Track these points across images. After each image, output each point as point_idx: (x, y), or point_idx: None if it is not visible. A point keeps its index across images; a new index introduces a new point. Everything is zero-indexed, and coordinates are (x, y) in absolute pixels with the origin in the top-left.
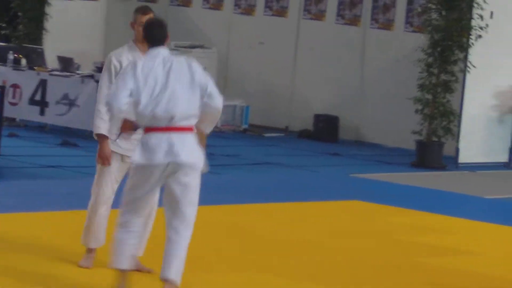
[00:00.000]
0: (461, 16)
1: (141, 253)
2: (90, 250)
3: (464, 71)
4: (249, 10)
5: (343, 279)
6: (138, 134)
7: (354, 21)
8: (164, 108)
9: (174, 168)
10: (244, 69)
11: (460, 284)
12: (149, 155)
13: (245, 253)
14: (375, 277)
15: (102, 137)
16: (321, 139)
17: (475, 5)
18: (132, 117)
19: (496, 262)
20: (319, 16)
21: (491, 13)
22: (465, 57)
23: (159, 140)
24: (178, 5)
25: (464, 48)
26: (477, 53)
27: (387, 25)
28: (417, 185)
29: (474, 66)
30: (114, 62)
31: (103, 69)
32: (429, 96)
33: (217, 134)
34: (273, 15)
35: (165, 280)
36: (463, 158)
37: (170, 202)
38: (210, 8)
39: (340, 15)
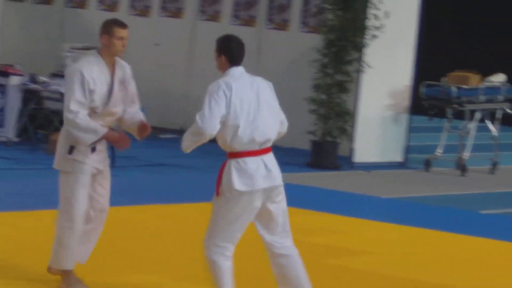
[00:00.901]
0: (356, 16)
1: None
2: (68, 273)
3: (359, 71)
4: (144, 12)
5: (244, 281)
6: (102, 145)
7: (249, 21)
8: (261, 132)
9: (271, 191)
10: (140, 71)
11: (356, 284)
12: (249, 180)
13: (146, 253)
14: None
15: (105, 135)
16: (215, 140)
17: (370, 5)
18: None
19: (392, 261)
20: (215, 17)
21: (386, 13)
22: (360, 57)
23: (256, 164)
24: (73, 7)
25: (359, 48)
26: (372, 53)
27: (283, 25)
28: (313, 185)
29: (369, 66)
30: (87, 78)
31: (71, 80)
32: (324, 97)
33: None
34: (168, 16)
35: None
36: (358, 158)
37: (270, 225)
38: (105, 9)
39: (235, 15)
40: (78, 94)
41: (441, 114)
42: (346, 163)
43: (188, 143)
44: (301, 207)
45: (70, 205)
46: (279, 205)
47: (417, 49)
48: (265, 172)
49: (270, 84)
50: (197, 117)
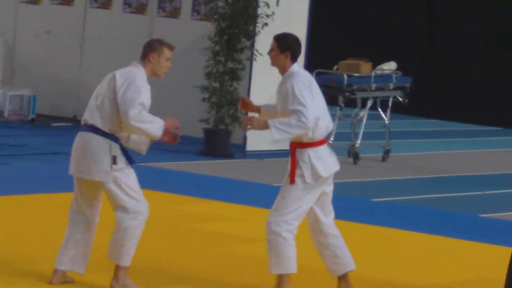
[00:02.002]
0: (247, 4)
1: None
2: None
3: (251, 59)
4: (35, 0)
5: (141, 269)
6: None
7: (140, 9)
8: (329, 120)
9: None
10: (31, 59)
11: (249, 270)
12: (327, 167)
13: (42, 244)
14: (172, 266)
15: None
16: None
17: None
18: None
19: None
20: (106, 5)
21: (277, 0)
22: (252, 45)
23: (326, 150)
24: None
25: (251, 36)
26: (263, 40)
27: (174, 13)
28: (206, 173)
29: (260, 54)
30: (147, 85)
31: (134, 83)
32: (216, 84)
33: (4, 124)
34: (59, 4)
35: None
36: (251, 146)
37: (325, 206)
38: None
39: (127, 3)
40: (143, 96)
41: (333, 102)
42: (238, 151)
43: (289, 136)
44: (194, 195)
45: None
46: (331, 187)
47: (308, 37)
48: (333, 158)
49: None
50: (300, 112)
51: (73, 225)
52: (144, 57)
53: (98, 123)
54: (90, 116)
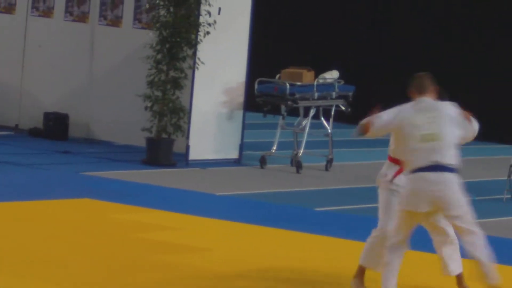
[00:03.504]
0: (189, 12)
1: None
2: None
3: (193, 68)
4: None
5: (79, 279)
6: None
7: (82, 18)
8: None
9: None
10: None
11: (190, 280)
12: None
13: None
14: (111, 276)
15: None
16: (51, 137)
17: (203, 1)
18: None
19: (226, 258)
20: (48, 13)
21: (219, 9)
22: (194, 54)
23: None
24: None
25: (193, 44)
26: (205, 49)
27: (116, 21)
28: (148, 182)
29: (202, 63)
30: None
31: None
32: (159, 93)
33: None
34: (0, 12)
35: None
36: (194, 155)
37: None
38: None
39: (68, 11)
40: None
41: (275, 111)
42: (181, 160)
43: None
44: (136, 205)
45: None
46: None
47: (251, 45)
48: None
49: None
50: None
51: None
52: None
53: None
54: None
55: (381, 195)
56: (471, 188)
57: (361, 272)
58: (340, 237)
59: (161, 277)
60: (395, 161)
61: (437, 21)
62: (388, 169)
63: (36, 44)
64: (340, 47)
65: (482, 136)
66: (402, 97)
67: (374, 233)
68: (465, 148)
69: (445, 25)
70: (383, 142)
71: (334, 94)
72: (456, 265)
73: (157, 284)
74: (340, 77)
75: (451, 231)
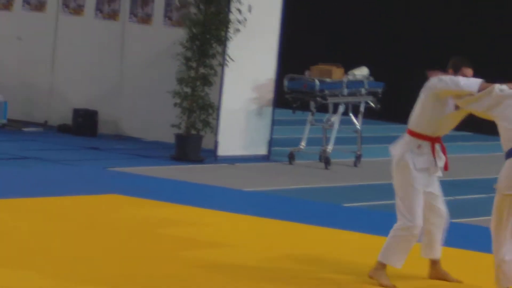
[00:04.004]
0: (219, 10)
1: None
2: None
3: (222, 65)
4: (7, 6)
5: (105, 274)
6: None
7: (112, 15)
8: None
9: None
10: (3, 64)
11: (220, 275)
12: None
13: (11, 251)
14: (139, 270)
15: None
16: (80, 134)
17: None
18: None
19: (255, 254)
20: (78, 11)
21: (249, 7)
22: (224, 51)
23: None
24: None
25: (223, 41)
26: (235, 46)
27: (146, 19)
28: (177, 178)
29: (232, 60)
30: None
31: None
32: (188, 90)
33: None
34: (31, 10)
35: None
36: (222, 151)
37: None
38: None
39: (99, 9)
40: None
41: (304, 107)
42: (210, 156)
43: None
44: (166, 200)
45: None
46: None
47: (280, 42)
48: None
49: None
50: None
51: None
52: None
53: None
54: None
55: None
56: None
57: (381, 267)
58: (368, 233)
59: (187, 272)
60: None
61: (465, 15)
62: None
63: (66, 41)
64: (370, 44)
65: None
66: None
67: (403, 231)
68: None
69: (472, 17)
70: None
71: (363, 91)
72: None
73: (184, 279)
74: (370, 74)
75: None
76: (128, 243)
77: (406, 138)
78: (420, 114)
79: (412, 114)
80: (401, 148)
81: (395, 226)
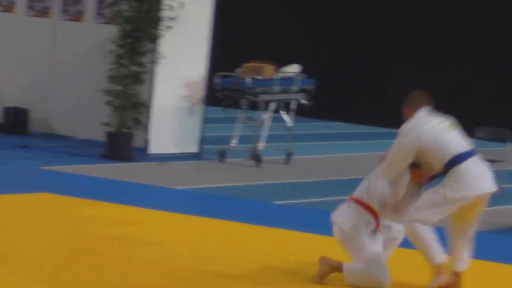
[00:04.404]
0: (152, 7)
1: None
2: None
3: (154, 62)
4: None
5: (35, 273)
6: None
7: (44, 12)
8: None
9: None
10: None
11: (149, 274)
12: None
13: None
14: (70, 269)
15: None
16: (11, 132)
17: None
18: None
19: (185, 252)
20: (9, 8)
21: (181, 4)
22: (155, 48)
23: None
24: None
25: (154, 39)
26: (167, 44)
27: (78, 16)
28: (108, 176)
29: (164, 57)
30: None
31: None
32: (119, 88)
33: None
34: None
35: None
36: (154, 149)
37: None
38: None
39: (30, 6)
40: None
41: (235, 105)
42: (141, 154)
43: None
44: (96, 199)
45: None
46: None
47: (212, 40)
48: None
49: None
50: None
51: None
52: None
53: None
54: None
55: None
56: None
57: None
58: (299, 230)
59: (120, 271)
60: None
61: (399, 17)
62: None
63: None
64: (302, 41)
65: None
66: (362, 91)
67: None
68: None
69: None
70: (342, 136)
71: (294, 88)
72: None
73: (115, 279)
74: (301, 71)
75: None
76: (59, 242)
77: None
78: None
79: None
80: None
81: None
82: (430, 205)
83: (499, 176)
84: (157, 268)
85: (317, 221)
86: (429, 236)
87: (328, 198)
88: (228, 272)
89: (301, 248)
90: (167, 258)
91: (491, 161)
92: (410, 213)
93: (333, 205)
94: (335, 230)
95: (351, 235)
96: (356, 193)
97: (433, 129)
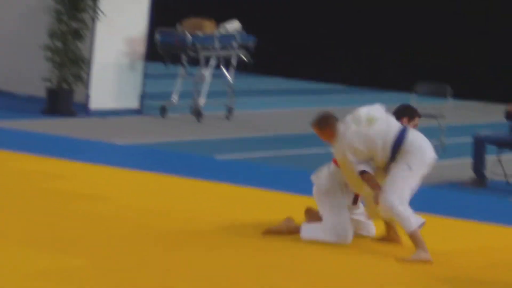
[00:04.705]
0: None
1: None
2: None
3: (94, 19)
4: None
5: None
6: None
7: None
8: None
9: None
10: None
11: (93, 228)
12: None
13: None
14: (12, 226)
15: None
16: None
17: None
18: None
19: (128, 206)
20: None
21: None
22: (95, 4)
23: None
24: None
25: None
26: (106, 0)
27: None
28: (49, 132)
29: (103, 13)
30: None
31: None
32: (60, 44)
33: None
34: None
35: None
36: (94, 104)
37: None
38: None
39: None
40: None
41: (176, 61)
42: (82, 110)
43: None
44: (37, 154)
45: None
46: None
47: None
48: None
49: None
50: None
51: None
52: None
53: None
54: None
55: None
56: None
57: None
58: (240, 184)
59: (65, 225)
60: None
61: None
62: None
63: None
64: None
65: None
66: (301, 47)
67: None
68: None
69: None
70: (282, 92)
71: (235, 44)
72: None
73: (56, 232)
74: (241, 27)
75: None
76: (3, 197)
77: None
78: None
79: None
80: None
81: None
82: (399, 183)
83: (440, 131)
84: (104, 221)
85: (258, 176)
86: (405, 207)
87: (270, 153)
88: (173, 225)
89: (243, 202)
90: (113, 212)
91: (432, 116)
92: (382, 194)
93: (275, 160)
94: (314, 189)
95: (326, 191)
96: None
97: (359, 134)
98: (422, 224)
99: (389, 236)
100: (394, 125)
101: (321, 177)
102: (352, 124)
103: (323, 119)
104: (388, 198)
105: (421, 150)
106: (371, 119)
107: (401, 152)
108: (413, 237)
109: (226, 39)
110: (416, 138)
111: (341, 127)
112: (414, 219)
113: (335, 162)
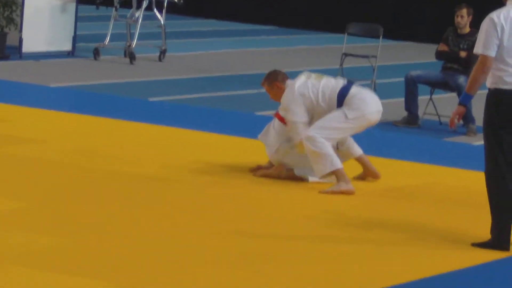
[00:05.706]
0: None
1: None
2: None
3: None
4: None
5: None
6: None
7: None
8: None
9: None
10: None
11: (26, 170)
12: None
13: None
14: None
15: None
16: None
17: None
18: None
19: (63, 149)
20: None
21: None
22: None
23: None
24: None
25: None
26: None
27: None
28: None
29: None
30: None
31: None
32: None
33: None
34: None
35: None
36: (27, 47)
37: None
38: None
39: None
40: None
41: (108, 3)
42: (14, 53)
43: None
44: None
45: None
46: None
47: None
48: None
49: None
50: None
51: None
52: None
53: None
54: None
55: None
56: None
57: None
58: (174, 126)
59: (1, 168)
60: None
61: None
62: None
63: None
64: None
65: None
66: None
67: None
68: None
69: None
70: (214, 34)
71: None
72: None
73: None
74: None
75: None
76: None
77: None
78: None
79: None
80: None
81: None
82: (331, 123)
83: (373, 71)
84: (40, 163)
85: (191, 117)
86: (329, 145)
87: (202, 95)
88: (111, 166)
89: (177, 143)
90: (48, 154)
91: (364, 56)
92: (311, 130)
93: (207, 101)
94: (266, 150)
95: (283, 154)
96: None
97: (307, 84)
98: (336, 170)
99: (368, 172)
100: (340, 81)
101: (269, 137)
102: (302, 76)
103: (271, 75)
104: (313, 131)
105: (363, 102)
106: (320, 75)
107: (344, 103)
108: (335, 172)
109: None
110: (360, 91)
111: (289, 81)
112: (335, 159)
113: (279, 117)
